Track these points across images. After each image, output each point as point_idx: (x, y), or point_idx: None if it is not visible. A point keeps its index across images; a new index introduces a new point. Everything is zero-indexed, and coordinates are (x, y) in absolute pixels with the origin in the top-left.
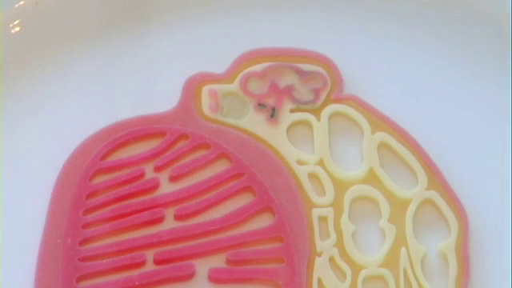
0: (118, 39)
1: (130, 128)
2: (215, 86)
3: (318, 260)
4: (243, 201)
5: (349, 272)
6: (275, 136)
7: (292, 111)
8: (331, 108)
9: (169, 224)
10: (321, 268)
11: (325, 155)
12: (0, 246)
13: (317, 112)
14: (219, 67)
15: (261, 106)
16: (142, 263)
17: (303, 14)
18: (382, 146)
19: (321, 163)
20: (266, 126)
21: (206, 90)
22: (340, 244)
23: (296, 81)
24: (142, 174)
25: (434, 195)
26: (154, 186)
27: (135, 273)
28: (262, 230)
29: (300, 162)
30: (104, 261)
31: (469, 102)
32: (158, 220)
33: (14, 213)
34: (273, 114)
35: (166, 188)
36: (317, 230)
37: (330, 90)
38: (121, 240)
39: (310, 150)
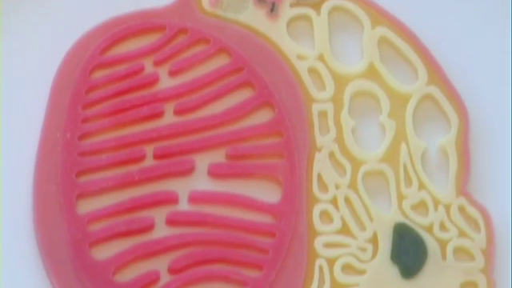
0: None
1: (129, 22)
2: None
3: (317, 155)
4: (243, 95)
5: (348, 167)
6: (275, 31)
7: (292, 6)
8: (331, 2)
9: (168, 118)
10: (320, 163)
11: (325, 50)
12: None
13: (317, 6)
14: None
15: (260, 0)
16: (142, 158)
17: None
18: (382, 40)
19: (321, 58)
20: (265, 21)
21: None
22: (340, 139)
23: None
24: (142, 69)
25: (434, 90)
26: (154, 80)
27: (135, 167)
28: (261, 124)
29: (300, 57)
30: (103, 155)
31: None
32: (158, 114)
33: (13, 107)
34: (272, 9)
35: (166, 82)
36: (316, 125)
37: None
38: (120, 135)
39: (310, 45)
